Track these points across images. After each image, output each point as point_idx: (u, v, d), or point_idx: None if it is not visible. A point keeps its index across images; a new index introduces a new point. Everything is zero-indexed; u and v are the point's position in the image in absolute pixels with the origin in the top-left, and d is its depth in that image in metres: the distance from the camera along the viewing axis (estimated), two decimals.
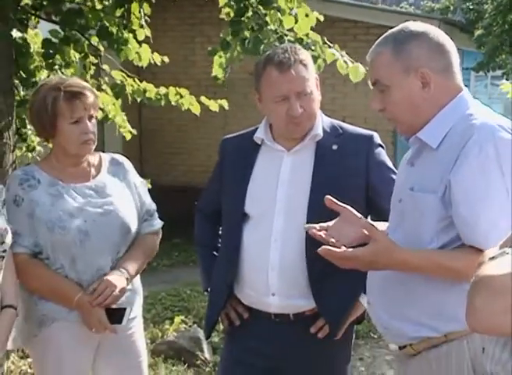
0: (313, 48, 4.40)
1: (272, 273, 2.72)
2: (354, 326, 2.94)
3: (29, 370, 4.55)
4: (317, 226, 2.34)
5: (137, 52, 4.60)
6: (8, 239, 2.66)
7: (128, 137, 5.17)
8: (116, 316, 2.81)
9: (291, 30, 4.48)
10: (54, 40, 4.44)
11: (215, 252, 3.01)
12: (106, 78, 4.98)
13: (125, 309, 2.83)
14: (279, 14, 4.46)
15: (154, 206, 3.11)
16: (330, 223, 2.34)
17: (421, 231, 2.20)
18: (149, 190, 3.16)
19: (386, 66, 2.22)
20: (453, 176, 2.10)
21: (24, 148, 4.75)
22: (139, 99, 4.95)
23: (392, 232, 2.30)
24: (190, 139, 10.65)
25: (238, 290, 2.86)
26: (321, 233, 2.29)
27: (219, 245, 3.00)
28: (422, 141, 2.23)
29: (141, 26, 4.51)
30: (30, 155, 4.79)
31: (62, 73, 4.47)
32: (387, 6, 13.98)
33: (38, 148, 4.73)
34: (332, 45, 4.54)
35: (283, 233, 2.73)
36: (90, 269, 2.84)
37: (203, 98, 5.09)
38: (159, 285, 6.97)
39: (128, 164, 3.08)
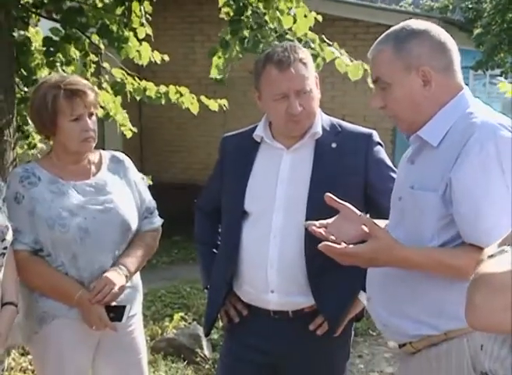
0: (312, 46, 4.41)
1: (271, 270, 2.73)
2: (353, 323, 2.95)
3: (29, 367, 4.55)
4: (316, 223, 2.34)
5: (138, 50, 4.60)
6: (9, 236, 2.67)
7: (129, 135, 5.17)
8: (116, 313, 2.81)
9: (289, 30, 4.49)
10: (54, 38, 4.44)
11: (214, 250, 3.02)
12: (107, 76, 4.98)
13: (125, 307, 2.83)
14: (278, 13, 4.47)
15: (154, 204, 3.12)
16: (330, 221, 2.35)
17: (421, 229, 2.20)
18: (149, 187, 3.16)
19: (387, 64, 2.23)
20: (453, 174, 2.10)
21: (25, 146, 4.76)
22: (139, 98, 4.95)
23: (392, 230, 2.30)
24: (189, 137, 10.66)
25: (237, 287, 2.87)
26: (321, 231, 2.30)
27: (219, 243, 3.01)
28: (423, 139, 2.23)
29: (142, 25, 4.51)
30: (30, 152, 4.80)
31: (64, 70, 4.47)
32: (387, 5, 13.95)
33: (40, 145, 4.73)
34: (331, 44, 4.54)
35: (282, 231, 2.73)
36: (90, 266, 2.84)
37: (203, 98, 5.09)
38: (159, 282, 6.97)
39: (128, 162, 3.08)
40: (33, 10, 4.57)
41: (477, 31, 13.73)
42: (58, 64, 4.47)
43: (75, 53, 4.54)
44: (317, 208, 2.55)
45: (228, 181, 2.91)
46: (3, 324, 2.64)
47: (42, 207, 2.81)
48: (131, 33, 4.49)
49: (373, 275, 2.38)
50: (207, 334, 3.11)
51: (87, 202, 2.87)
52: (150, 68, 5.25)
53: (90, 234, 2.82)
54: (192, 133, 10.55)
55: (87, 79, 3.95)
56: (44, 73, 4.47)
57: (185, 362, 5.04)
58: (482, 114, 2.18)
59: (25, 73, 4.43)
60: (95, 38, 4.60)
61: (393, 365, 5.20)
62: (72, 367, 2.90)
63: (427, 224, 2.19)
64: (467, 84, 2.31)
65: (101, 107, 4.63)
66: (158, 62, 4.90)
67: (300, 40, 4.38)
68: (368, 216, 2.53)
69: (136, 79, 4.92)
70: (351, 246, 2.20)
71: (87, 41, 4.58)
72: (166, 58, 4.94)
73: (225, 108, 5.18)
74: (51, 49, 4.41)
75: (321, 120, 2.81)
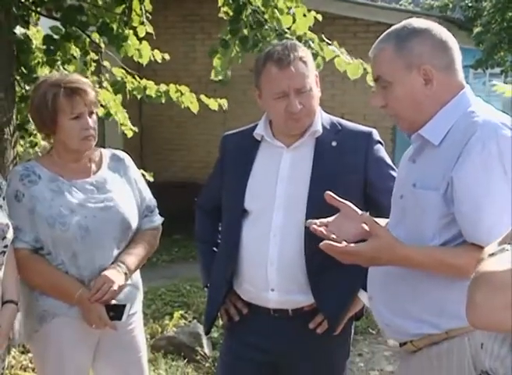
0: (312, 45, 4.41)
1: (271, 269, 2.73)
2: (353, 321, 2.95)
3: (30, 365, 4.55)
4: (317, 221, 2.34)
5: (138, 49, 4.60)
6: (10, 234, 2.67)
7: (129, 135, 5.17)
8: (116, 312, 2.81)
9: (289, 29, 4.49)
10: (55, 36, 4.44)
11: (215, 248, 3.02)
12: (107, 75, 4.98)
13: (124, 306, 2.83)
14: (277, 13, 4.47)
15: (154, 202, 3.12)
16: (330, 219, 2.35)
17: (422, 228, 2.20)
18: (149, 186, 3.16)
19: (389, 63, 2.22)
20: (455, 173, 2.10)
21: (27, 144, 4.76)
22: (139, 96, 4.96)
23: (393, 228, 2.30)
24: (189, 135, 10.66)
25: (237, 285, 2.87)
26: (322, 229, 2.30)
27: (219, 241, 3.01)
28: (424, 138, 2.23)
29: (142, 23, 4.51)
30: (31, 150, 4.80)
31: (65, 69, 4.48)
32: (387, 4, 13.94)
33: (43, 142, 4.73)
34: (330, 43, 4.55)
35: (282, 229, 2.73)
36: (90, 264, 2.84)
37: (203, 97, 5.09)
38: (159, 281, 6.98)
39: (128, 160, 3.08)
40: (33, 8, 4.57)
41: (477, 30, 13.71)
42: (58, 63, 4.47)
43: (76, 51, 4.54)
44: (317, 207, 2.55)
45: (228, 180, 2.91)
46: (4, 322, 2.64)
47: (42, 205, 2.81)
48: (131, 32, 4.49)
49: (374, 274, 2.38)
50: (207, 333, 3.11)
51: (87, 200, 2.87)
52: (150, 66, 5.26)
53: (91, 233, 2.83)
54: (192, 132, 10.56)
55: (87, 77, 3.95)
56: (44, 72, 4.47)
57: (185, 361, 5.04)
58: (484, 113, 2.18)
59: (25, 72, 4.43)
60: (95, 37, 4.60)
61: (393, 363, 5.20)
62: (73, 365, 2.90)
63: (428, 223, 2.19)
64: (467, 83, 2.31)
65: (102, 106, 4.63)
66: (159, 60, 4.90)
67: (299, 39, 4.38)
68: (368, 214, 2.53)
69: (137, 77, 4.93)
70: (352, 245, 2.19)
71: (88, 39, 4.58)
72: (167, 56, 4.94)
73: (224, 108, 5.18)
74: (52, 47, 4.41)
75: (322, 119, 2.81)
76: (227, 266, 2.85)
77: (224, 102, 5.17)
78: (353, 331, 2.99)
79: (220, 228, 3.01)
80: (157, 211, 3.12)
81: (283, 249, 2.72)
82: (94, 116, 2.90)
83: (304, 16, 4.52)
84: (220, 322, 3.19)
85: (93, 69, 4.76)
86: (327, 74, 4.68)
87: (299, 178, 2.75)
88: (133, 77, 4.91)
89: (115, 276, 2.82)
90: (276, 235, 2.73)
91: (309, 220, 2.38)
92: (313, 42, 4.45)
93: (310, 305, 2.78)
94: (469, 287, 1.43)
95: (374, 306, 2.41)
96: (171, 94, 4.93)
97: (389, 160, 2.85)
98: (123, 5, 4.41)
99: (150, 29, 4.56)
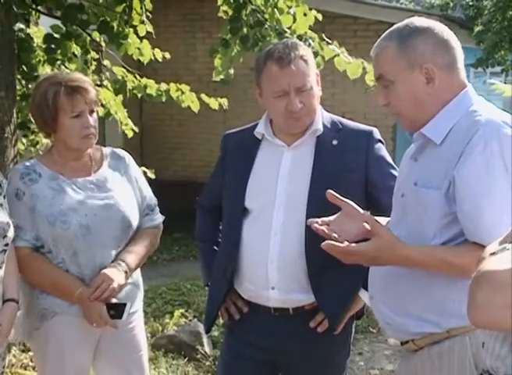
0: (312, 44, 4.41)
1: (271, 267, 2.73)
2: (354, 320, 2.95)
3: (30, 363, 4.56)
4: (319, 220, 2.34)
5: (138, 48, 4.60)
6: (11, 233, 2.67)
7: (130, 134, 5.17)
8: (117, 310, 2.81)
9: (289, 28, 4.49)
10: (55, 35, 4.44)
11: (215, 247, 3.02)
12: (107, 74, 4.98)
13: (125, 305, 2.83)
14: (277, 12, 4.47)
15: (155, 201, 3.12)
16: (332, 218, 2.35)
17: (424, 227, 2.20)
18: (150, 184, 3.16)
19: (391, 61, 2.22)
20: (457, 172, 2.10)
21: (29, 143, 4.76)
22: (139, 95, 4.96)
23: (394, 227, 2.30)
24: (190, 134, 10.66)
25: (238, 284, 2.87)
26: (324, 228, 2.29)
27: (220, 240, 3.01)
28: (426, 136, 2.22)
29: (142, 22, 4.51)
30: (32, 149, 4.80)
31: (66, 67, 4.47)
32: (387, 3, 13.93)
33: (45, 140, 4.73)
34: (330, 42, 4.55)
35: (283, 228, 2.73)
36: (91, 263, 2.84)
37: (203, 96, 5.09)
38: (159, 279, 6.99)
39: (129, 158, 3.08)
40: (34, 7, 4.57)
41: (477, 29, 13.70)
42: (59, 61, 4.47)
43: (76, 50, 4.54)
44: (317, 206, 2.55)
45: (229, 178, 2.91)
46: (4, 321, 2.64)
47: (43, 204, 2.81)
48: (131, 31, 4.49)
49: (375, 273, 2.38)
50: (207, 331, 3.11)
51: (87, 199, 2.87)
52: (151, 65, 5.26)
53: (91, 231, 2.82)
54: (193, 131, 10.56)
55: (88, 76, 3.95)
56: (45, 70, 4.47)
57: (185, 359, 5.05)
58: (486, 112, 2.17)
59: (26, 70, 4.43)
60: (96, 35, 4.60)
61: (394, 362, 5.20)
62: (73, 364, 2.90)
63: (429, 222, 2.18)
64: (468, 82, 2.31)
65: (102, 105, 4.63)
66: (160, 59, 4.90)
67: (300, 38, 4.38)
68: (368, 213, 2.53)
69: (137, 76, 4.93)
70: (354, 244, 2.19)
71: (88, 38, 4.58)
72: (167, 55, 4.94)
73: (225, 107, 5.18)
74: (52, 46, 4.41)
75: (322, 117, 2.81)
76: (227, 265, 2.85)
77: (224, 101, 5.17)
78: (353, 330, 2.99)
79: (221, 227, 3.01)
80: (157, 209, 3.12)
81: (284, 248, 2.72)
82: (95, 115, 2.90)
83: (305, 15, 4.52)
84: (221, 320, 3.19)
85: (93, 67, 4.76)
86: (327, 73, 4.67)
87: (300, 177, 2.75)
88: (134, 76, 4.91)
89: (115, 274, 2.82)
90: (277, 234, 2.73)
91: (310, 219, 2.38)
92: (313, 41, 4.45)
93: (310, 303, 2.78)
94: (470, 286, 1.43)
95: (375, 305, 2.41)
96: (171, 93, 4.93)
97: (389, 159, 2.85)
98: (124, 4, 4.40)
99: (150, 28, 4.56)
